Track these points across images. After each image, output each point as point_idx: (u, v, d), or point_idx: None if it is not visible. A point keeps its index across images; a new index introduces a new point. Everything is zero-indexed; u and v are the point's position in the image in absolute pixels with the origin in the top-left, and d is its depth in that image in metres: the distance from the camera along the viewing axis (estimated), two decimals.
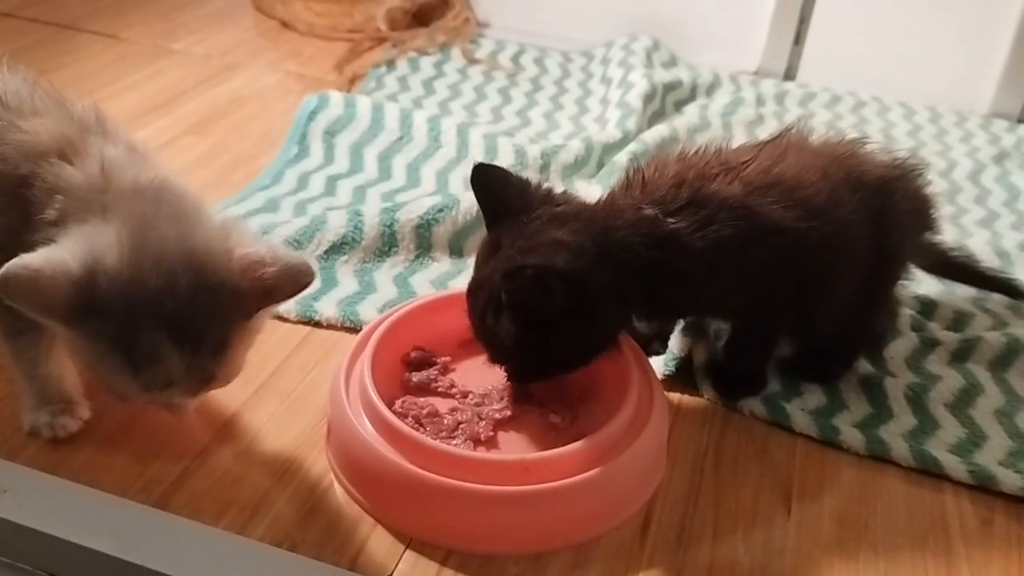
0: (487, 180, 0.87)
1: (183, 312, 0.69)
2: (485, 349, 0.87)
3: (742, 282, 0.85)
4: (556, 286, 0.78)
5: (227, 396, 0.90)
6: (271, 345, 0.98)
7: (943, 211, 1.05)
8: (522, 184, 0.87)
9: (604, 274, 0.80)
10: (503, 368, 0.89)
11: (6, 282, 0.65)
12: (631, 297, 0.83)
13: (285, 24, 1.91)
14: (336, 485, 0.82)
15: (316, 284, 1.05)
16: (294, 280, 0.72)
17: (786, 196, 0.85)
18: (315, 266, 0.75)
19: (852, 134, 0.98)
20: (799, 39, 1.79)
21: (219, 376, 0.75)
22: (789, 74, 1.82)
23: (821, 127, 0.96)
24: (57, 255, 0.68)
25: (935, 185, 1.04)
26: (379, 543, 0.77)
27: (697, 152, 0.90)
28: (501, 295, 0.81)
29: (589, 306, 0.80)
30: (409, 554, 0.76)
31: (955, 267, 1.12)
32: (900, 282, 1.00)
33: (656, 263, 0.82)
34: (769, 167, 0.87)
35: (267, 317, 0.77)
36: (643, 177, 0.87)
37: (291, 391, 0.92)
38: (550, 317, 0.80)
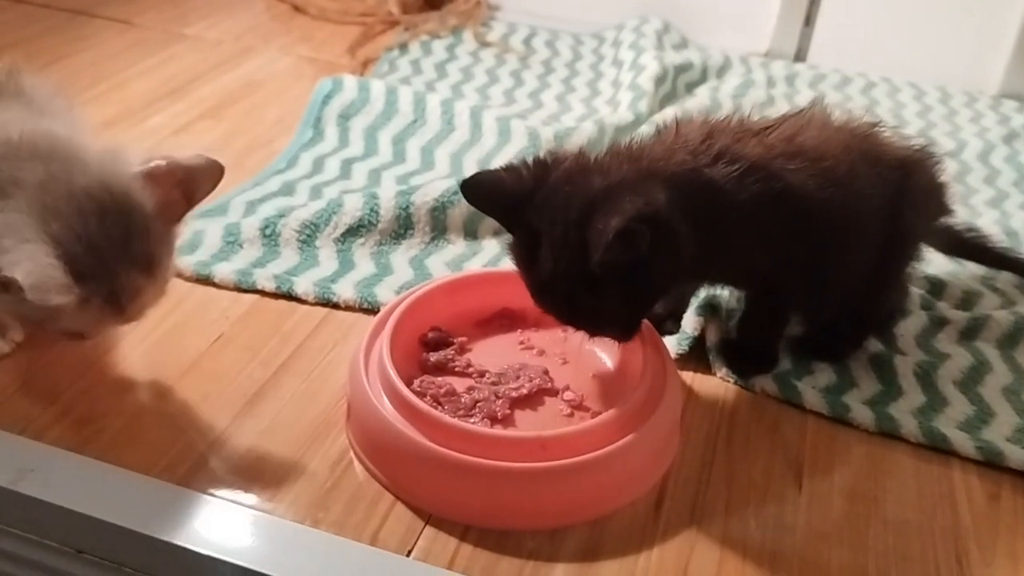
0: (479, 189, 0.84)
1: None
2: (582, 327, 0.84)
3: (761, 244, 0.86)
4: (639, 231, 0.74)
5: (248, 377, 0.92)
6: (290, 327, 1.00)
7: (953, 191, 1.05)
8: (512, 170, 0.83)
9: (660, 194, 0.77)
10: (608, 336, 0.85)
11: None
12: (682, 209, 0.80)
13: (297, 8, 1.91)
14: (356, 463, 0.84)
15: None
16: None
17: (808, 165, 0.86)
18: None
19: (864, 115, 0.99)
20: (809, 20, 1.79)
21: None
22: (799, 56, 1.82)
23: (832, 108, 0.97)
24: None
25: (946, 166, 1.04)
26: (399, 519, 0.78)
27: (721, 119, 0.90)
28: (587, 272, 0.76)
29: (667, 227, 0.77)
30: (428, 530, 0.77)
31: (972, 248, 1.12)
32: (912, 264, 1.00)
33: (690, 204, 0.80)
34: (792, 136, 0.88)
35: None
36: (676, 128, 0.87)
37: (310, 372, 0.94)
38: (641, 261, 0.77)
